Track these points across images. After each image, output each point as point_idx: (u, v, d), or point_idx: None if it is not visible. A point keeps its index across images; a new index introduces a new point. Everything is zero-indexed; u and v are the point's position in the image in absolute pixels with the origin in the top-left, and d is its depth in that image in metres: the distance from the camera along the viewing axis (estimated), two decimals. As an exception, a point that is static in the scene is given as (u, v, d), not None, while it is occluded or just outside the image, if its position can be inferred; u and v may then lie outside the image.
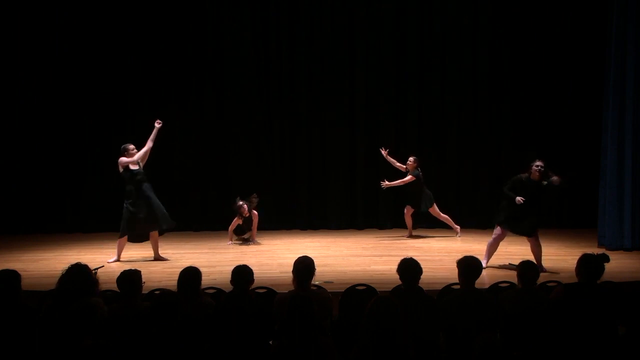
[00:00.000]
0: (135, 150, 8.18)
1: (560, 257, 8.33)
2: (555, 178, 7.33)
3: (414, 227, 10.28)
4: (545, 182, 7.41)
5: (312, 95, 11.00)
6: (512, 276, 5.06)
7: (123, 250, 8.38)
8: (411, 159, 9.83)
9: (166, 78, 10.78)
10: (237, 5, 10.86)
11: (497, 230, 7.72)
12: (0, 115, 10.58)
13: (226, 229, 9.79)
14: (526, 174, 7.54)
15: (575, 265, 4.87)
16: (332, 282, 6.72)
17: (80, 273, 4.52)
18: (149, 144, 8.26)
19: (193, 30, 10.84)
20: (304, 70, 10.99)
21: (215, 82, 10.94)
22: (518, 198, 7.34)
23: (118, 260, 8.20)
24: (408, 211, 10.04)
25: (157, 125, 8.33)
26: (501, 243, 8.42)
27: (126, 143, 8.27)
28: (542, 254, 7.62)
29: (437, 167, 11.09)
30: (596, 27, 10.13)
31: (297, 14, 10.94)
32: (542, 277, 5.05)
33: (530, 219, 7.49)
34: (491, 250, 7.80)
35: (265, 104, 11.03)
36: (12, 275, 4.53)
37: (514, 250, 8.63)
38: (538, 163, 7.48)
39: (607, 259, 4.95)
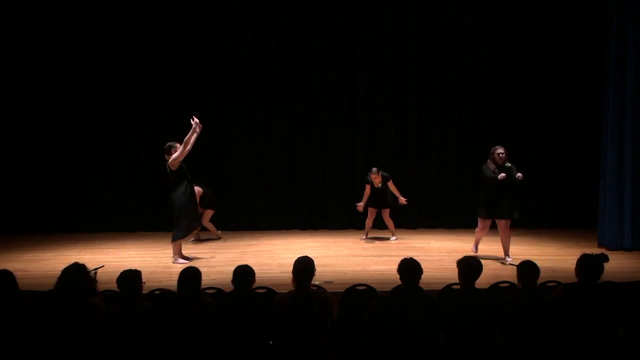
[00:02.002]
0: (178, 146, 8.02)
1: (560, 257, 8.33)
2: (519, 175, 7.85)
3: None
4: (508, 165, 7.91)
5: (312, 95, 11.00)
6: (512, 276, 5.06)
7: (124, 250, 8.40)
8: (375, 172, 9.53)
9: (166, 78, 10.78)
10: (237, 5, 10.86)
11: (481, 223, 8.20)
12: (0, 115, 10.58)
13: (226, 229, 9.87)
14: (491, 163, 7.99)
15: (575, 266, 4.87)
16: (332, 282, 6.72)
17: (77, 273, 4.51)
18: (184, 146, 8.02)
19: (193, 30, 10.82)
20: (304, 70, 10.98)
21: (216, 82, 10.94)
22: (501, 175, 7.82)
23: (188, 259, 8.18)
24: (385, 213, 9.87)
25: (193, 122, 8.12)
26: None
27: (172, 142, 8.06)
28: (542, 254, 7.66)
29: (437, 167, 11.10)
30: (596, 27, 10.13)
31: (297, 14, 10.93)
32: (542, 277, 5.03)
33: (506, 201, 7.94)
34: (478, 238, 8.43)
35: (265, 104, 11.02)
36: (8, 275, 4.50)
37: (514, 251, 8.64)
38: (500, 150, 7.94)
39: (607, 259, 4.94)
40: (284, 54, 10.96)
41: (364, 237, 9.93)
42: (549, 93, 10.94)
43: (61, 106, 10.66)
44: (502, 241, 8.15)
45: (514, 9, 10.88)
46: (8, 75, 10.55)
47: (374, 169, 9.56)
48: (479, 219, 8.23)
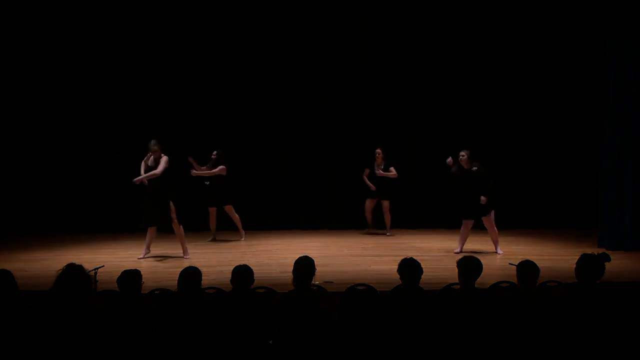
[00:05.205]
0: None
1: (560, 257, 8.33)
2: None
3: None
4: (474, 168, 8.38)
5: (312, 95, 11.01)
6: (512, 276, 5.06)
7: (124, 250, 8.40)
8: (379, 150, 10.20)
9: (167, 79, 10.79)
10: (237, 5, 10.87)
11: (463, 226, 8.64)
12: (1, 116, 10.59)
13: (226, 229, 9.86)
14: (456, 166, 8.53)
15: (575, 266, 4.87)
16: (332, 282, 6.71)
17: (74, 273, 4.50)
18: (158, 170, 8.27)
19: (193, 31, 10.84)
20: (305, 70, 10.99)
21: (216, 82, 10.94)
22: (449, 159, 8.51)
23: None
24: (371, 204, 10.31)
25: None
26: (501, 243, 8.58)
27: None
28: (542, 253, 7.71)
29: (436, 168, 11.09)
30: (596, 27, 10.13)
31: (297, 15, 10.95)
32: (542, 277, 5.02)
33: (476, 201, 8.35)
34: (462, 238, 8.68)
35: (264, 104, 11.03)
36: (7, 275, 4.48)
37: (515, 251, 8.66)
38: (462, 152, 8.45)
39: (608, 259, 4.93)
40: (284, 54, 10.98)
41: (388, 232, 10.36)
42: (550, 93, 10.96)
43: (62, 108, 10.68)
44: (490, 236, 8.59)
45: (514, 10, 10.90)
46: (8, 75, 10.58)
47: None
48: (463, 221, 8.62)
